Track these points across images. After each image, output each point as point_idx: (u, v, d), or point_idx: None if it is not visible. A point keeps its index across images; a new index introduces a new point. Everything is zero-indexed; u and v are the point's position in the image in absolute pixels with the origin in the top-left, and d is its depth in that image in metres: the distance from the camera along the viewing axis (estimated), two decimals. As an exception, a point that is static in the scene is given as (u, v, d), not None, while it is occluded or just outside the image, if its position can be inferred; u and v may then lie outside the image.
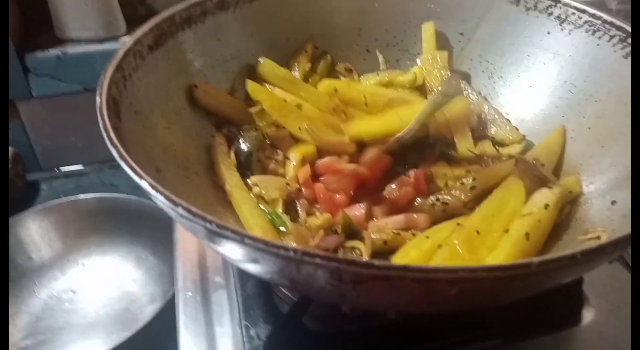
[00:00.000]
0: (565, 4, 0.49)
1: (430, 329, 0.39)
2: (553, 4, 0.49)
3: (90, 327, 0.61)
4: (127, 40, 0.42)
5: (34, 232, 0.65)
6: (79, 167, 0.82)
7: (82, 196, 0.67)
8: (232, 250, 0.27)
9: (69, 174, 0.80)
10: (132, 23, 0.76)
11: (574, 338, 0.41)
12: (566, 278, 0.27)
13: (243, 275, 0.43)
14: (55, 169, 0.82)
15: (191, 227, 0.27)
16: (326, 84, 0.52)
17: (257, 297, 0.41)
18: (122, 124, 0.36)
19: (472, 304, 0.27)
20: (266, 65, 0.51)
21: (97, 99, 0.35)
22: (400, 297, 0.25)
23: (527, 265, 0.22)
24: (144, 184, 0.28)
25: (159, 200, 0.27)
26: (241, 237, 0.24)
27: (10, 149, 0.73)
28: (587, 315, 0.41)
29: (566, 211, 0.40)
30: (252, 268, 0.29)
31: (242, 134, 0.47)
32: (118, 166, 0.88)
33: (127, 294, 0.63)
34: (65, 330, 0.60)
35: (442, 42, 0.55)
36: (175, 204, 0.26)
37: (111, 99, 0.36)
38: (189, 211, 0.26)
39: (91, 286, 0.65)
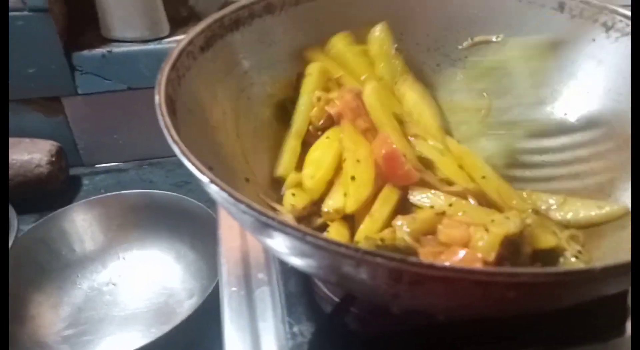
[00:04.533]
0: (612, 11, 0.48)
1: (471, 333, 0.39)
2: (599, 11, 0.49)
3: (129, 319, 0.62)
4: (180, 40, 0.43)
5: (77, 225, 0.67)
6: (118, 163, 0.84)
7: (125, 191, 0.68)
8: (290, 247, 0.27)
9: (109, 170, 0.82)
10: (175, 24, 0.78)
11: (617, 349, 0.41)
12: (624, 286, 0.27)
13: (285, 272, 0.44)
14: (96, 164, 0.84)
15: (251, 224, 0.28)
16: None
17: (299, 295, 0.42)
18: (178, 122, 0.37)
19: (525, 308, 0.28)
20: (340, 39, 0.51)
21: (156, 97, 0.36)
22: (457, 299, 0.25)
23: (590, 271, 0.22)
24: (205, 179, 0.29)
25: (221, 196, 0.28)
26: (302, 235, 0.25)
27: (55, 144, 0.76)
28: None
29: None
30: (305, 264, 0.30)
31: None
32: (157, 164, 0.91)
33: (166, 288, 0.65)
34: (106, 321, 0.62)
35: (485, 46, 0.55)
36: (238, 200, 0.27)
37: (168, 97, 0.37)
38: (250, 207, 0.27)
39: (131, 280, 0.66)
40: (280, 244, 0.28)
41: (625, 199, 0.42)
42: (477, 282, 0.22)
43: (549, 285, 0.23)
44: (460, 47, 0.56)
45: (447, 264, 0.22)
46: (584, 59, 0.50)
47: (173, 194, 0.68)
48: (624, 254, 0.35)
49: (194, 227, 0.66)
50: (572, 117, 0.50)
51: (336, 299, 0.41)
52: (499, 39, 0.54)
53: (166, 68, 0.39)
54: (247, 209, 0.27)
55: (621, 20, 0.47)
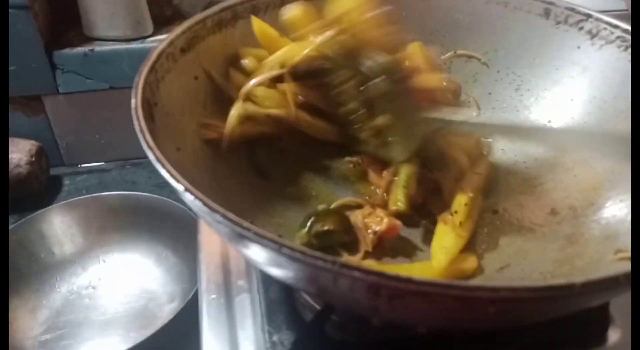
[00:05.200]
0: (597, 19, 0.48)
1: (451, 344, 0.38)
2: (584, 18, 0.49)
3: (109, 323, 0.61)
4: (161, 42, 0.42)
5: (57, 227, 0.65)
6: (101, 163, 0.83)
7: (105, 193, 0.67)
8: (267, 258, 0.27)
9: (91, 170, 0.81)
10: (159, 24, 0.77)
11: (598, 358, 0.41)
12: (605, 299, 0.27)
13: (266, 280, 0.43)
14: (78, 164, 0.83)
15: (227, 234, 0.27)
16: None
17: (280, 302, 0.41)
18: (156, 126, 0.36)
19: (505, 322, 0.27)
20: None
21: (132, 101, 0.35)
22: (436, 313, 0.25)
23: (570, 286, 0.22)
24: (180, 188, 0.28)
25: (196, 205, 0.27)
26: (278, 246, 0.24)
27: (35, 143, 0.74)
28: (613, 336, 0.41)
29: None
30: (282, 274, 0.29)
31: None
32: (139, 164, 0.90)
33: (146, 292, 0.64)
34: (85, 325, 0.61)
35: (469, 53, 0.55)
36: (213, 210, 0.26)
37: (145, 101, 0.36)
38: (225, 218, 0.26)
39: (111, 283, 0.65)
40: (257, 255, 0.28)
41: (609, 207, 0.42)
42: (456, 298, 0.22)
43: (529, 300, 0.22)
44: (442, 57, 0.55)
45: (425, 278, 0.22)
46: (569, 66, 0.50)
47: (154, 196, 0.67)
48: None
49: (175, 230, 0.65)
50: (556, 124, 0.50)
51: (317, 307, 0.40)
52: (483, 61, 0.54)
53: (144, 70, 0.38)
54: (223, 219, 0.26)
55: (605, 28, 0.47)
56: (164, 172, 0.29)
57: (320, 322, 0.38)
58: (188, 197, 0.28)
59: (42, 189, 0.75)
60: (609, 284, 0.23)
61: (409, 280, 0.22)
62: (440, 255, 0.38)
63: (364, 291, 0.24)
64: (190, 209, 0.64)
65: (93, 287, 0.65)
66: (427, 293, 0.22)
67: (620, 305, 0.41)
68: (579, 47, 0.49)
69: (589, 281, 0.22)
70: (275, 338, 0.38)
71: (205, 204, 0.27)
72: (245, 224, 0.26)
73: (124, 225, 0.67)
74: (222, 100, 0.47)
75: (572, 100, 0.49)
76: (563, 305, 0.24)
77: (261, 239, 0.25)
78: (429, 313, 0.25)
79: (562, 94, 0.50)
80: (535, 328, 0.39)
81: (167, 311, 0.61)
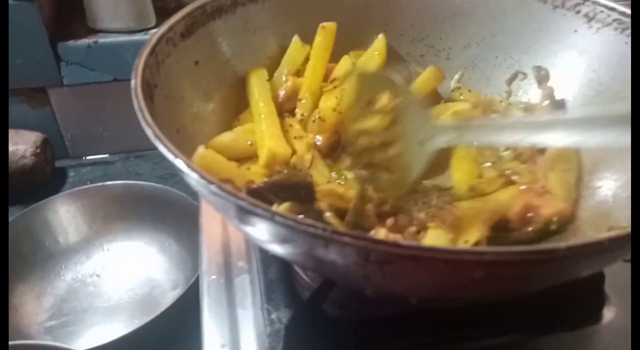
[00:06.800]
0: (594, 2, 0.48)
1: (448, 320, 0.39)
2: (581, 2, 0.49)
3: (113, 310, 0.62)
4: (160, 27, 0.43)
5: (61, 216, 0.67)
6: (105, 155, 0.84)
7: (110, 182, 0.68)
8: (261, 229, 0.27)
9: (96, 162, 0.82)
10: (162, 16, 0.78)
11: (593, 336, 0.41)
12: (591, 267, 0.27)
13: (265, 260, 0.44)
14: (82, 156, 0.84)
15: (222, 206, 0.28)
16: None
17: (278, 282, 0.42)
18: (155, 107, 0.37)
19: (494, 290, 0.28)
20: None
21: (132, 81, 0.36)
22: (425, 279, 0.25)
23: (555, 250, 0.22)
24: (178, 162, 0.29)
25: (193, 178, 0.28)
26: (271, 215, 0.25)
27: (40, 135, 0.76)
28: (608, 314, 0.41)
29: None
30: (279, 248, 0.30)
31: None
32: (143, 156, 0.90)
33: (150, 279, 0.65)
34: (89, 312, 0.62)
35: (467, 38, 0.55)
36: (209, 182, 0.27)
37: (145, 82, 0.37)
38: (221, 189, 0.27)
39: (115, 271, 0.66)
40: (253, 226, 0.28)
41: (603, 187, 0.42)
42: (443, 261, 0.22)
43: (513, 264, 0.23)
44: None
45: (412, 243, 0.22)
46: (567, 50, 0.50)
47: (158, 185, 0.68)
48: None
49: (178, 219, 0.66)
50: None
51: (315, 286, 0.41)
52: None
53: (144, 53, 0.39)
54: (218, 191, 0.27)
55: (602, 11, 0.48)
56: (162, 148, 0.30)
57: (317, 300, 0.38)
58: (185, 170, 0.28)
59: (47, 181, 0.76)
60: (593, 248, 0.23)
61: (396, 245, 0.23)
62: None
63: (355, 257, 0.24)
64: (194, 198, 0.65)
65: (97, 275, 0.66)
66: (415, 257, 0.22)
67: (615, 284, 0.41)
68: (576, 31, 0.49)
69: (574, 245, 0.23)
70: (274, 316, 0.39)
71: (202, 176, 0.27)
72: (241, 194, 0.26)
73: (128, 214, 0.68)
74: (224, 87, 0.48)
75: (570, 82, 0.49)
76: (550, 271, 0.25)
77: (255, 208, 0.26)
78: (419, 279, 0.25)
79: (560, 78, 0.50)
80: (532, 306, 0.39)
81: (170, 298, 0.62)
